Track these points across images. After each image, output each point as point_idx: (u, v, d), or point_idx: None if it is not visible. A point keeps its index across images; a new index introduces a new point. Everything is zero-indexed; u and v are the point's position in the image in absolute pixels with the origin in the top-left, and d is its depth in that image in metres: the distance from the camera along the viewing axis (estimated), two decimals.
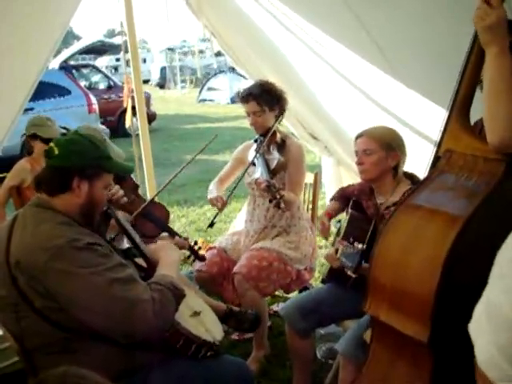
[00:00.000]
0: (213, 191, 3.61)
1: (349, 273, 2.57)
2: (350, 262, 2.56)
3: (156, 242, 3.26)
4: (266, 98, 3.42)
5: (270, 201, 2.99)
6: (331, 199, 3.19)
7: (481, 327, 1.08)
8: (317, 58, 3.88)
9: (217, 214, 3.37)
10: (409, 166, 2.81)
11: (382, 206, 2.73)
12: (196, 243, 3.32)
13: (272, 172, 3.27)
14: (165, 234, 3.22)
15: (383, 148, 2.67)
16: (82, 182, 2.05)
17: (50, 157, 2.05)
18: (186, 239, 3.28)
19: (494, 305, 1.04)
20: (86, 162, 2.06)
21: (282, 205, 2.98)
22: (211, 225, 3.29)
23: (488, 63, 1.81)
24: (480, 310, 1.08)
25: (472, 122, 2.07)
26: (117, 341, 1.93)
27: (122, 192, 2.66)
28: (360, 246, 2.52)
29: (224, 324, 3.06)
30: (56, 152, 2.02)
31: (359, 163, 2.74)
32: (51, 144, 2.06)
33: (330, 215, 3.06)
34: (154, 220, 3.16)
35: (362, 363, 2.13)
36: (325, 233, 3.06)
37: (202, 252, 3.30)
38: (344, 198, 3.08)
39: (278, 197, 2.93)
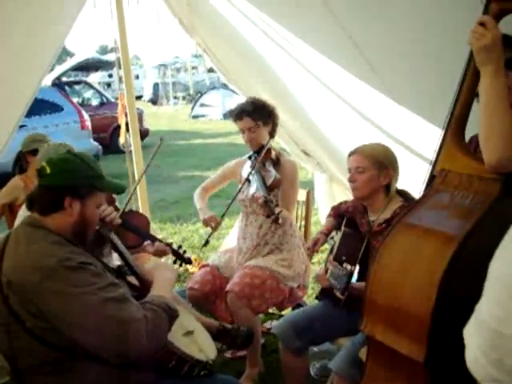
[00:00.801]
0: (203, 209, 3.60)
1: (337, 294, 2.57)
2: (338, 283, 2.57)
3: (139, 251, 3.27)
4: (259, 113, 3.45)
5: (268, 216, 2.99)
6: (327, 217, 3.20)
7: (470, 331, 1.13)
8: (309, 75, 3.90)
9: (211, 233, 3.41)
10: (403, 184, 2.81)
11: (374, 224, 2.73)
12: (180, 247, 3.31)
13: (268, 188, 3.27)
14: (147, 242, 3.22)
15: (375, 166, 2.67)
16: (74, 202, 2.03)
17: (41, 175, 2.04)
18: (169, 244, 3.26)
19: (479, 310, 1.09)
20: (78, 181, 2.06)
21: (280, 220, 2.98)
22: (206, 243, 3.31)
23: (483, 83, 1.82)
24: (476, 317, 1.12)
25: (467, 136, 2.08)
26: (110, 361, 1.91)
27: (115, 213, 2.64)
28: (349, 267, 2.52)
29: (217, 341, 3.05)
30: (48, 171, 2.02)
31: (351, 180, 2.75)
32: (43, 163, 2.05)
33: (329, 230, 3.07)
34: (133, 229, 3.15)
35: (356, 382, 2.13)
36: (310, 254, 3.07)
37: (194, 269, 3.28)
38: (339, 215, 3.08)
39: (276, 212, 2.94)
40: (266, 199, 3.00)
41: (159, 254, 3.32)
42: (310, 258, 3.12)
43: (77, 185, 2.05)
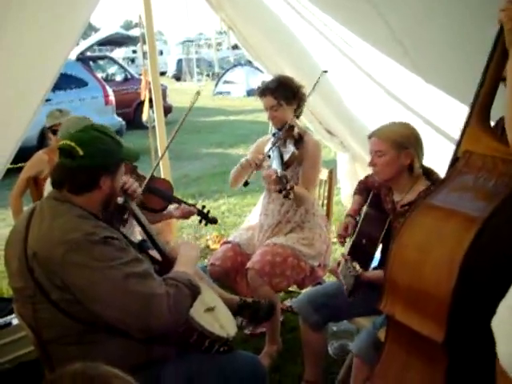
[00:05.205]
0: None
1: (345, 292, 2.59)
2: (346, 283, 2.59)
3: (166, 216, 3.44)
4: (282, 93, 3.42)
5: (280, 191, 2.98)
6: (354, 193, 3.17)
7: (505, 328, 1.08)
8: (336, 52, 3.85)
9: (251, 171, 3.33)
10: (430, 164, 2.76)
11: (398, 204, 2.70)
12: (204, 207, 3.44)
13: (285, 164, 3.26)
14: (173, 205, 3.36)
15: (394, 148, 2.60)
16: (107, 179, 2.06)
17: (73, 157, 2.00)
18: (194, 205, 3.38)
19: None
20: (111, 158, 2.08)
21: (291, 196, 2.95)
22: (246, 183, 3.31)
23: (511, 64, 1.78)
24: (504, 310, 1.07)
25: (496, 115, 2.04)
26: (132, 335, 1.94)
27: (136, 184, 2.65)
28: (357, 267, 2.51)
29: (239, 316, 3.09)
30: (81, 152, 1.99)
31: (372, 165, 2.71)
32: (71, 143, 2.01)
33: (356, 211, 3.06)
34: (159, 194, 3.23)
35: (375, 363, 2.13)
36: (342, 241, 3.04)
37: (215, 246, 3.34)
38: (366, 190, 3.06)
39: (288, 188, 2.92)
40: (278, 175, 2.98)
41: (185, 215, 3.45)
42: (342, 244, 3.09)
43: (110, 162, 2.08)
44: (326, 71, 3.45)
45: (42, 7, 3.34)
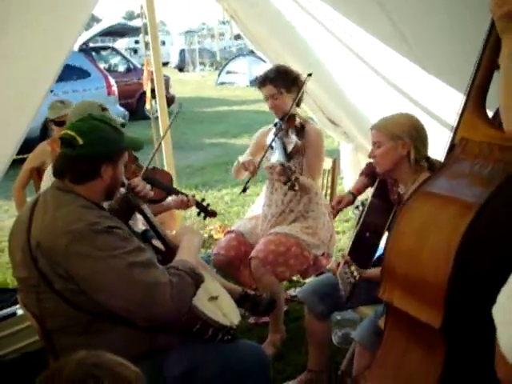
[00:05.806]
0: (244, 156, 3.59)
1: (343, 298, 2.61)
2: (344, 288, 2.61)
3: (164, 206, 3.42)
4: (282, 80, 3.44)
5: (285, 183, 2.98)
6: (360, 174, 3.17)
7: (505, 313, 1.08)
8: (337, 42, 3.85)
9: (249, 178, 3.36)
10: (430, 152, 2.76)
11: (403, 197, 2.69)
12: (204, 200, 3.43)
13: (288, 155, 3.27)
14: (171, 197, 3.37)
15: (391, 138, 2.61)
16: (108, 167, 2.06)
17: (73, 146, 2.01)
18: (193, 196, 3.38)
19: None
20: (112, 146, 2.08)
21: (297, 187, 2.95)
22: (244, 189, 3.30)
23: (503, 51, 1.77)
24: (506, 295, 1.07)
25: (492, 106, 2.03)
26: (136, 324, 1.94)
27: (149, 187, 2.65)
28: (355, 272, 2.52)
29: (239, 307, 3.11)
30: (80, 142, 2.00)
31: (371, 156, 2.72)
32: (71, 133, 2.02)
33: (359, 191, 3.06)
34: (158, 184, 3.23)
35: (377, 351, 2.14)
36: (334, 213, 3.10)
37: (219, 235, 3.34)
38: (372, 174, 3.05)
39: (293, 179, 2.92)
40: (283, 166, 2.99)
41: (183, 206, 3.44)
42: (334, 217, 3.12)
43: (110, 151, 2.08)
44: (310, 74, 3.45)
45: (45, 10, 3.34)
